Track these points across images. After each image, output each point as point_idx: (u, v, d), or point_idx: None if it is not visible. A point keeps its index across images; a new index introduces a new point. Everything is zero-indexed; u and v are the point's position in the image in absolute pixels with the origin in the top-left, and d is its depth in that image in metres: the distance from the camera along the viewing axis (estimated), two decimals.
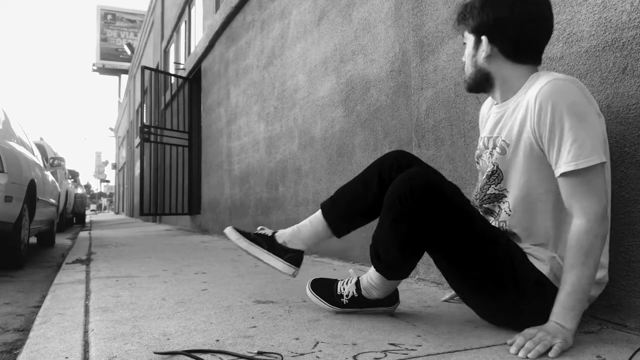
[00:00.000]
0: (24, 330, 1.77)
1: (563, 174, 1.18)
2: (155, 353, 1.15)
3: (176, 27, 10.53)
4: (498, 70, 1.33)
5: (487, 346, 1.20)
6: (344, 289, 1.56)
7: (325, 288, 1.60)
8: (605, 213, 1.17)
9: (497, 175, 1.37)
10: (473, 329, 1.37)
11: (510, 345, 1.17)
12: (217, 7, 6.75)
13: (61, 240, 6.74)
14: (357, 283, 1.55)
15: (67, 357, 1.16)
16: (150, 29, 14.50)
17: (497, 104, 1.39)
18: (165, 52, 11.89)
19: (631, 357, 1.09)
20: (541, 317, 1.20)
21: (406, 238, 1.33)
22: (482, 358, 1.11)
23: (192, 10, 9.23)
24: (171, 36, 10.97)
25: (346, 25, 3.06)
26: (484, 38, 1.32)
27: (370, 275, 1.51)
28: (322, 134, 3.35)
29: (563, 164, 1.17)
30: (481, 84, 1.38)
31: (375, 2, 2.75)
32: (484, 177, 1.41)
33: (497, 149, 1.35)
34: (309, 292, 1.61)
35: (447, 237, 1.30)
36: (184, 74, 8.26)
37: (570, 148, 1.15)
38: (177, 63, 9.75)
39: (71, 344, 1.26)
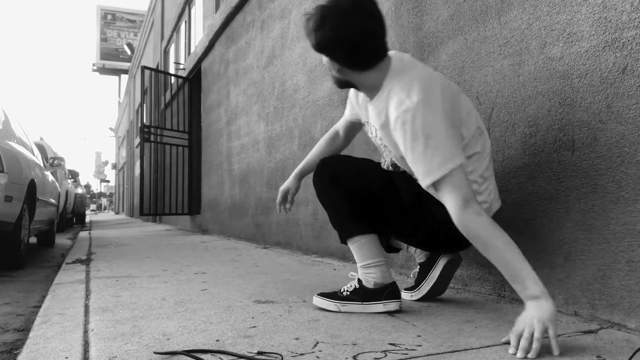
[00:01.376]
0: (24, 330, 1.77)
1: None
2: (155, 353, 1.15)
3: (176, 27, 10.53)
4: (352, 78, 1.47)
5: (487, 346, 1.20)
6: (347, 287, 1.65)
7: (330, 293, 1.67)
8: (467, 201, 1.30)
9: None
10: (473, 329, 1.37)
11: (506, 344, 1.18)
12: (217, 7, 6.75)
13: (61, 240, 6.75)
14: (359, 279, 1.63)
15: (67, 357, 1.16)
16: (150, 29, 14.50)
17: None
18: (165, 52, 11.89)
19: (631, 357, 1.09)
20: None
21: (334, 211, 1.66)
22: (482, 358, 1.11)
23: (192, 10, 9.23)
24: (171, 36, 10.97)
25: None
26: (325, 58, 1.45)
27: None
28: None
29: (421, 180, 1.36)
30: (346, 86, 1.53)
31: None
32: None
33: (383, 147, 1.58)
34: (315, 298, 1.67)
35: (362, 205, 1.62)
36: (184, 74, 8.26)
37: (423, 165, 1.33)
38: (177, 63, 9.75)
39: (71, 344, 1.26)
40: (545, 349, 1.12)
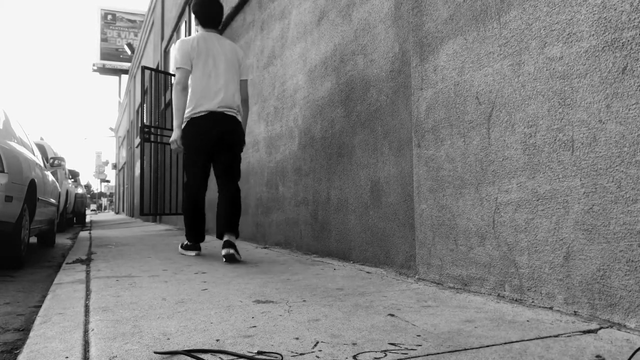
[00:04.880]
0: (24, 330, 1.77)
1: None
2: (156, 353, 1.15)
3: (176, 27, 10.52)
4: None
5: (487, 346, 1.20)
6: (184, 243, 3.55)
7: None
8: (178, 82, 3.26)
9: None
10: (473, 329, 1.37)
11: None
12: None
13: (61, 240, 6.75)
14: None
15: (67, 357, 1.16)
16: (150, 29, 14.50)
17: None
18: (166, 52, 11.88)
19: (631, 357, 1.09)
20: None
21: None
22: (482, 358, 1.11)
23: None
24: (171, 36, 10.96)
25: (346, 26, 3.06)
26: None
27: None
28: (322, 134, 3.36)
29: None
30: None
31: (375, 2, 2.75)
32: None
33: None
34: (179, 248, 3.19)
35: None
36: None
37: (173, 65, 3.79)
38: None
39: (71, 344, 1.26)
40: (539, 353, 1.12)
